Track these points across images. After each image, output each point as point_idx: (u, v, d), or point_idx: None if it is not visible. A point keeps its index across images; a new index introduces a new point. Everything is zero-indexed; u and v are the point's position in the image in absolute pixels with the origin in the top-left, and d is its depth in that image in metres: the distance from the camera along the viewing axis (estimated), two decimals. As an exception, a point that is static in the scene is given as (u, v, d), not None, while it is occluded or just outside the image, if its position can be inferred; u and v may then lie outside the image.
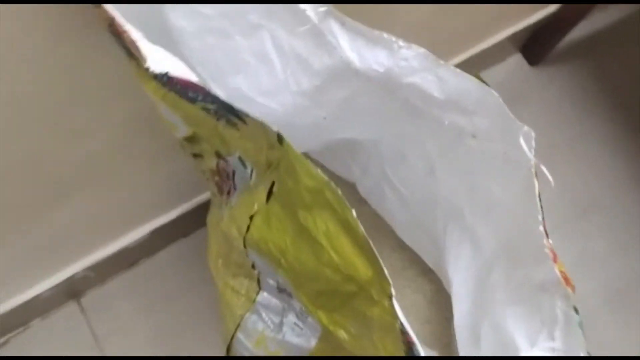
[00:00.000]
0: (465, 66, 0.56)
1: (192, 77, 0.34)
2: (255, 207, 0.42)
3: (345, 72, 0.39)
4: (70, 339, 0.89)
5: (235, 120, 0.37)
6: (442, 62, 0.39)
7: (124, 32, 0.33)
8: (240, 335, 0.69)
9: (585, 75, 1.14)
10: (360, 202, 0.69)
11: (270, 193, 0.41)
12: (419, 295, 0.65)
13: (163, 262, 0.92)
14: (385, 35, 0.36)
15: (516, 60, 1.12)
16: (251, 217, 0.43)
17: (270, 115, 0.42)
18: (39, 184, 0.59)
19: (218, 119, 0.37)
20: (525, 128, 0.41)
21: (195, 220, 0.84)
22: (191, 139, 0.44)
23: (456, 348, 0.62)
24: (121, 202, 0.72)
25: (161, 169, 0.71)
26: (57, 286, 0.80)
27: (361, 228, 0.37)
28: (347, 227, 0.38)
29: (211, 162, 0.47)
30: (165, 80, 0.34)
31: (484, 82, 0.41)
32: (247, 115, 0.36)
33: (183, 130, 0.42)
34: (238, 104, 0.47)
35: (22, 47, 0.42)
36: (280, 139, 0.36)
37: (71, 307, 0.90)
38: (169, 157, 0.68)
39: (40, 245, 0.70)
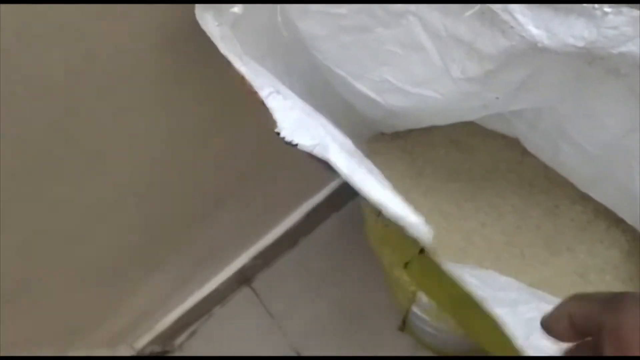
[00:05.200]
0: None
1: (323, 151, 0.31)
2: (410, 256, 0.39)
3: (527, 52, 0.32)
4: (249, 320, 0.94)
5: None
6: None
7: (254, 92, 0.30)
8: (416, 309, 0.67)
9: None
10: (524, 154, 0.62)
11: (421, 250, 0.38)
12: (614, 250, 0.57)
13: (321, 238, 0.93)
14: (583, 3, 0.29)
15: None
16: (406, 264, 0.42)
17: (429, 103, 0.37)
18: (201, 197, 0.61)
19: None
20: None
21: (345, 194, 0.82)
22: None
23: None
24: (276, 195, 0.72)
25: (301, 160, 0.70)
26: (230, 278, 0.85)
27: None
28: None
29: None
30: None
31: None
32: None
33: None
34: (388, 96, 0.43)
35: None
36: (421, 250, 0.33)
37: (245, 292, 0.94)
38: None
39: (211, 246, 0.73)
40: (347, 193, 0.84)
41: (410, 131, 0.64)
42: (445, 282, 0.44)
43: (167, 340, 0.93)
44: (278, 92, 0.30)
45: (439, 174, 0.64)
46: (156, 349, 0.91)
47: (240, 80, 0.31)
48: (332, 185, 0.82)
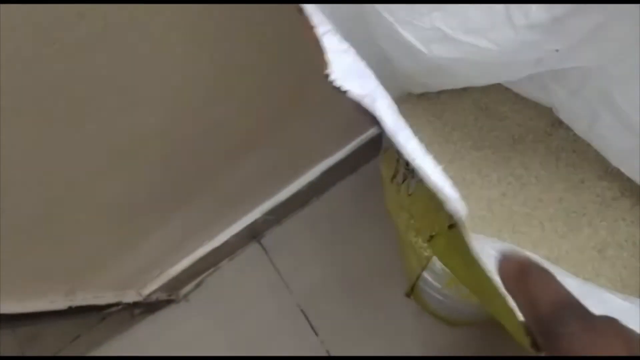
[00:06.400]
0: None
1: (371, 103, 0.29)
2: (437, 228, 0.38)
3: None
4: (256, 276, 0.94)
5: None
6: None
7: (311, 27, 0.28)
8: (427, 275, 0.67)
9: None
10: (554, 125, 0.61)
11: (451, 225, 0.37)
12: (635, 228, 0.57)
13: (334, 199, 0.92)
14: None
15: None
16: (431, 237, 0.41)
17: (480, 56, 0.36)
18: (219, 147, 0.60)
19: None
20: None
21: (362, 156, 0.81)
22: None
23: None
24: (292, 152, 0.71)
25: (327, 116, 0.68)
26: (241, 231, 0.84)
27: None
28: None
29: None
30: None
31: None
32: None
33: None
34: (435, 46, 0.42)
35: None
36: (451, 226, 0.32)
37: (254, 247, 0.94)
38: (334, 103, 0.65)
39: (225, 198, 0.73)
40: (364, 156, 0.83)
41: (439, 94, 0.63)
42: (469, 261, 0.44)
43: (173, 289, 0.93)
44: (335, 32, 0.29)
45: (466, 141, 0.63)
46: (162, 297, 0.92)
47: (299, 11, 0.29)
48: (351, 147, 0.80)
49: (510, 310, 0.40)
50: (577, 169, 0.61)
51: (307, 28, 0.29)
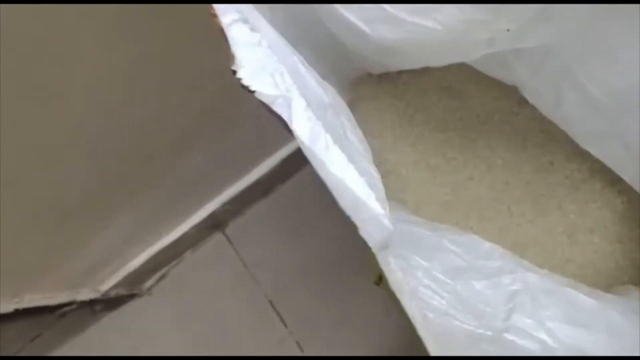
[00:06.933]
0: None
1: (284, 106, 0.25)
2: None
3: None
4: (221, 266, 0.91)
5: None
6: None
7: (214, 15, 0.24)
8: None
9: None
10: (520, 104, 0.58)
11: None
12: (606, 210, 0.54)
13: (297, 186, 0.89)
14: None
15: None
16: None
17: (426, 37, 0.32)
18: (167, 136, 0.55)
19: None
20: None
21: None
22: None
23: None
24: (247, 139, 0.67)
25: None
26: (201, 222, 0.81)
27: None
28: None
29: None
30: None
31: None
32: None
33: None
34: (380, 27, 0.38)
35: None
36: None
37: (217, 237, 0.91)
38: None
39: (178, 190, 0.69)
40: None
41: (399, 74, 0.59)
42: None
43: (134, 283, 0.89)
44: (245, 21, 0.25)
45: (430, 122, 0.60)
46: (122, 292, 0.88)
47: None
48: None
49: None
50: (545, 150, 0.57)
51: (212, 16, 0.24)
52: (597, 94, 0.39)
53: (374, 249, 0.28)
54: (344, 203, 0.27)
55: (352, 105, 0.61)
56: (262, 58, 0.25)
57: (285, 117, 0.26)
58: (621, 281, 0.53)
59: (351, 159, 0.28)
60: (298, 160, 0.84)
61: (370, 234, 0.27)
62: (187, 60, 0.47)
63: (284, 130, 0.28)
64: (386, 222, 0.28)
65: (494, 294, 0.44)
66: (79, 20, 0.36)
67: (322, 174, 0.27)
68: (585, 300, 0.44)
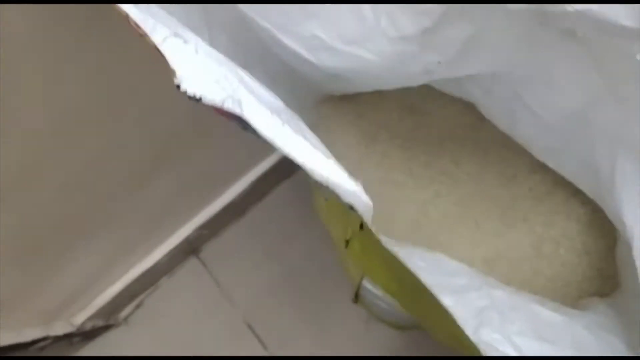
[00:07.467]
0: None
1: (235, 105, 0.25)
2: (350, 232, 0.34)
3: (467, 7, 0.27)
4: (197, 291, 0.90)
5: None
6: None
7: (144, 34, 0.23)
8: (367, 284, 0.64)
9: None
10: (481, 119, 0.58)
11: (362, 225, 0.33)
12: (571, 222, 0.54)
13: (271, 206, 0.88)
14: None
15: None
16: (347, 242, 0.36)
17: (364, 65, 0.32)
18: (132, 164, 0.55)
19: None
20: None
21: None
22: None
23: (624, 280, 0.52)
24: (217, 162, 0.67)
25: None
26: (175, 249, 0.80)
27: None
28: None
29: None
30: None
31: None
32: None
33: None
34: (321, 55, 0.38)
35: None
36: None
37: (192, 262, 0.90)
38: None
39: (148, 218, 0.68)
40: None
41: (360, 94, 0.59)
42: (388, 262, 0.41)
43: (110, 313, 0.88)
44: (176, 35, 0.24)
45: (394, 140, 0.60)
46: (99, 324, 0.86)
47: (125, 19, 0.24)
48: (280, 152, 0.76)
49: (439, 305, 0.37)
50: (508, 163, 0.58)
51: (141, 36, 0.24)
52: (545, 116, 0.39)
53: (365, 219, 0.28)
54: (321, 180, 0.26)
55: (316, 126, 0.61)
56: (203, 66, 0.25)
57: (238, 112, 0.25)
58: (589, 292, 0.54)
59: (315, 146, 0.28)
60: (269, 182, 0.84)
61: (355, 203, 0.27)
62: (135, 85, 0.46)
63: (241, 127, 0.27)
64: (364, 197, 0.28)
65: (462, 309, 0.44)
66: (21, 51, 0.36)
67: (293, 159, 0.27)
68: (550, 315, 0.44)
